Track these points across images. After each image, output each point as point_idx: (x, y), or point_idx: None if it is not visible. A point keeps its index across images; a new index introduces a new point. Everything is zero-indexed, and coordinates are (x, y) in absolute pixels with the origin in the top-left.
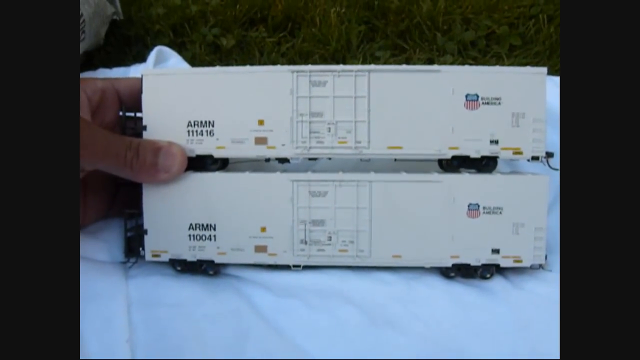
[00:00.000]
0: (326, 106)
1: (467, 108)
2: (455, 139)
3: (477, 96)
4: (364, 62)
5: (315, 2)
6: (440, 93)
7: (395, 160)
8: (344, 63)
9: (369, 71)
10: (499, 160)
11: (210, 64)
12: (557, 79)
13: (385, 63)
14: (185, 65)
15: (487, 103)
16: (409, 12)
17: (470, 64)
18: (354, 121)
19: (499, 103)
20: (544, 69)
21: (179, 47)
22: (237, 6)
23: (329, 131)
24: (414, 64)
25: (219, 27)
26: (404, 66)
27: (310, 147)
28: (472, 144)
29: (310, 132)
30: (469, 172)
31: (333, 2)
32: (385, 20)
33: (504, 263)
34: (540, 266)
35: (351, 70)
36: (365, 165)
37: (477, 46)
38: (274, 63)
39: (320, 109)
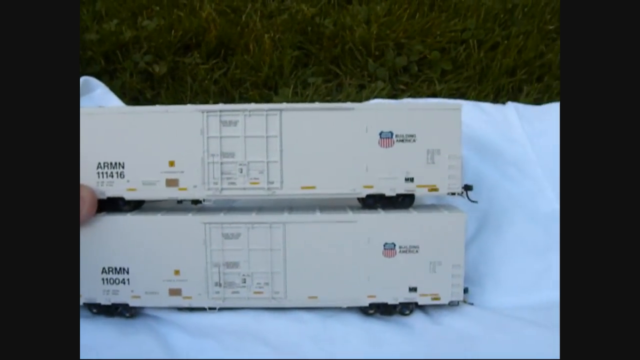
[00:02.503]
0: (238, 146)
1: (381, 146)
2: (370, 178)
3: (392, 133)
4: (295, 89)
5: (251, 26)
6: (354, 131)
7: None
8: (276, 90)
9: (281, 110)
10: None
11: (141, 92)
12: (485, 105)
13: (317, 89)
14: (112, 96)
15: (402, 140)
16: (342, 37)
17: (402, 90)
18: (266, 161)
19: (414, 140)
20: (459, 104)
21: (110, 75)
22: (172, 32)
23: (241, 172)
24: (346, 90)
25: (152, 54)
26: (317, 104)
27: (222, 189)
28: (387, 182)
29: (221, 173)
30: (385, 211)
31: (268, 28)
32: (320, 45)
33: (421, 301)
34: (460, 302)
35: (262, 110)
36: (290, 200)
37: (409, 71)
38: (206, 90)
39: (231, 149)
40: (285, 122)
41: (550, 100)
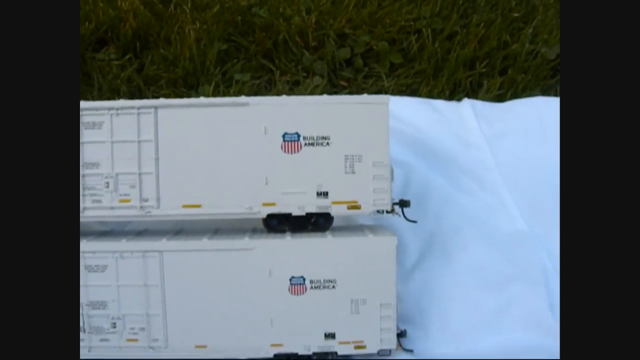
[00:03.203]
0: (103, 154)
1: (285, 151)
2: (270, 193)
3: (298, 135)
4: (218, 87)
5: (177, 18)
6: (249, 133)
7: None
8: (197, 87)
9: (156, 107)
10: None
11: None
12: (438, 102)
13: (243, 86)
14: None
15: (312, 144)
16: (277, 27)
17: (343, 87)
18: (138, 173)
19: (327, 144)
20: (386, 98)
21: None
22: (86, 23)
23: (107, 187)
24: (276, 88)
25: None
26: (202, 99)
27: (84, 209)
28: (294, 198)
29: (83, 189)
30: (291, 236)
31: (196, 19)
32: (253, 37)
33: (342, 350)
34: (392, 350)
35: (133, 107)
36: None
37: (352, 65)
38: (117, 90)
39: (95, 159)
40: (162, 122)
41: (514, 96)
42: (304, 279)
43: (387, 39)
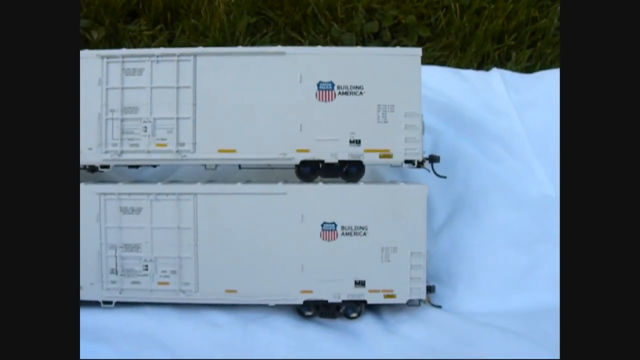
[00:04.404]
0: (142, 99)
1: (319, 99)
2: (305, 140)
3: (333, 84)
4: None
5: None
6: (284, 81)
7: (240, 167)
8: None
9: (195, 55)
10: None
11: None
12: (466, 72)
13: None
14: None
15: (346, 93)
16: (305, 1)
17: None
18: (175, 118)
19: (361, 93)
20: (419, 50)
21: None
22: None
23: (145, 131)
24: None
25: (90, 19)
26: (239, 48)
27: (121, 152)
28: (327, 145)
29: (122, 133)
30: (324, 183)
31: None
32: (281, 11)
33: (371, 299)
34: (422, 301)
35: (173, 55)
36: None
37: (380, 38)
38: None
39: (134, 103)
40: (200, 70)
41: (543, 69)
42: (336, 225)
43: (415, 14)
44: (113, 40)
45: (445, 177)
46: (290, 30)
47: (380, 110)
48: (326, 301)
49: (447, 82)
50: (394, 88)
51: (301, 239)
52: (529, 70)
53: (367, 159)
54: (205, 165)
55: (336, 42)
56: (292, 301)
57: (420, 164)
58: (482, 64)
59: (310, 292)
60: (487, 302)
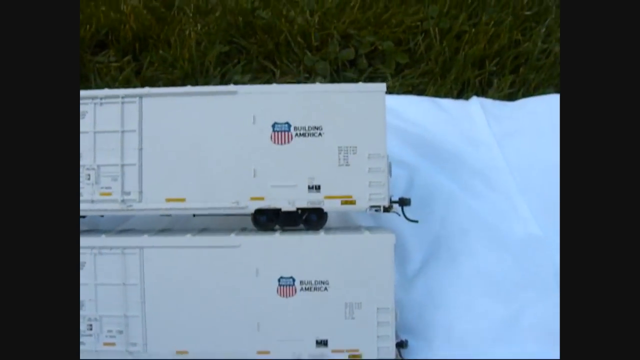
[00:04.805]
0: (85, 145)
1: (274, 142)
2: (259, 186)
3: (289, 125)
4: None
5: (179, 19)
6: (237, 122)
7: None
8: None
9: (141, 96)
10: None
11: None
12: (444, 101)
13: None
14: None
15: (303, 134)
16: (279, 28)
17: None
18: (120, 165)
19: (320, 134)
20: (383, 85)
21: None
22: (86, 26)
23: (89, 179)
24: None
25: None
26: (188, 87)
27: None
28: (284, 191)
29: None
30: (281, 233)
31: (196, 22)
32: (254, 39)
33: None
34: None
35: (117, 96)
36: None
37: (356, 66)
38: None
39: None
40: (146, 112)
41: (526, 95)
42: (294, 280)
43: (393, 39)
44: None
45: (416, 222)
46: (262, 59)
47: (341, 152)
48: None
49: (424, 112)
50: (356, 128)
51: (256, 295)
52: (511, 97)
53: (328, 206)
54: None
55: (310, 71)
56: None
57: (387, 209)
58: (463, 92)
59: (268, 352)
60: (466, 356)
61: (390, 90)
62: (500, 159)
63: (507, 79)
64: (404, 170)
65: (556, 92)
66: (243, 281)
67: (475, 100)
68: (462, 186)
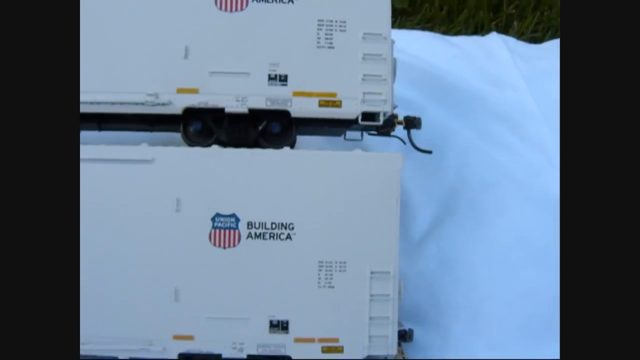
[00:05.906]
0: None
1: (221, 7)
2: (192, 72)
3: None
4: None
5: None
6: None
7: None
8: None
9: None
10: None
11: None
12: (455, 38)
13: None
14: None
15: (265, 0)
16: None
17: None
18: None
19: (291, 1)
20: None
21: None
22: None
23: None
24: None
25: None
26: None
27: None
28: (230, 82)
29: None
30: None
31: None
32: None
33: (299, 354)
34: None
35: None
36: None
37: None
38: None
39: None
40: None
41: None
42: (237, 220)
43: None
44: None
45: (430, 152)
46: None
47: (322, 28)
48: (218, 356)
49: (430, 47)
50: None
51: (176, 241)
52: (534, 40)
53: (298, 108)
54: None
55: None
56: (158, 354)
57: (387, 127)
58: (476, 35)
59: (190, 338)
60: (498, 355)
61: None
62: (530, 102)
63: (531, 20)
64: (408, 112)
65: None
66: (156, 218)
67: (495, 36)
68: (482, 133)
